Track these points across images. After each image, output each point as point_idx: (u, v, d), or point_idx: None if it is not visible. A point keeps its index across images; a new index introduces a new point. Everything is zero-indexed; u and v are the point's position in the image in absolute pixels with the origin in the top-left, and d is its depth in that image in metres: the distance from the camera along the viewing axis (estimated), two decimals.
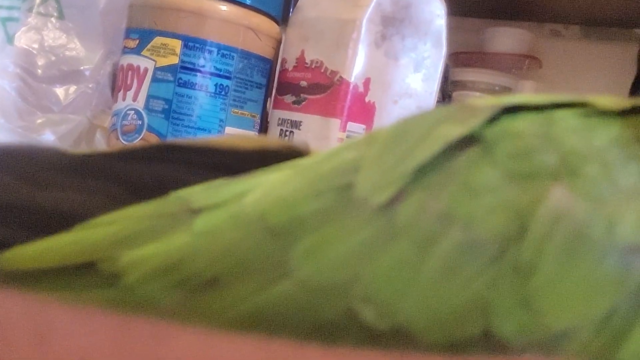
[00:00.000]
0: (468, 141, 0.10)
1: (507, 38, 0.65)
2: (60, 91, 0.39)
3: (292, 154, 0.13)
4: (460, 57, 0.66)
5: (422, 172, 0.10)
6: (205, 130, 0.36)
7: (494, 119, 0.11)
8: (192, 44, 0.36)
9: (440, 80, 0.36)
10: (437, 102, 0.37)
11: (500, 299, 0.09)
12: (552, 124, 0.10)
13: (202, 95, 0.36)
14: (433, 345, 0.09)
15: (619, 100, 0.11)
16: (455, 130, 0.10)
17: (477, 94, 0.59)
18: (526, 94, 0.11)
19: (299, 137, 0.35)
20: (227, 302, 0.10)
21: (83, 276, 0.11)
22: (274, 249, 0.10)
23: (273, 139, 0.14)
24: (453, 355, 0.09)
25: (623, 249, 0.09)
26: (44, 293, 0.11)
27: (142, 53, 0.37)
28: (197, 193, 0.11)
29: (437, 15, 0.34)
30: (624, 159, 0.10)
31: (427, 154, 0.10)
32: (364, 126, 0.34)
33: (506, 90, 0.61)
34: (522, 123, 0.10)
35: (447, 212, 0.10)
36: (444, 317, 0.09)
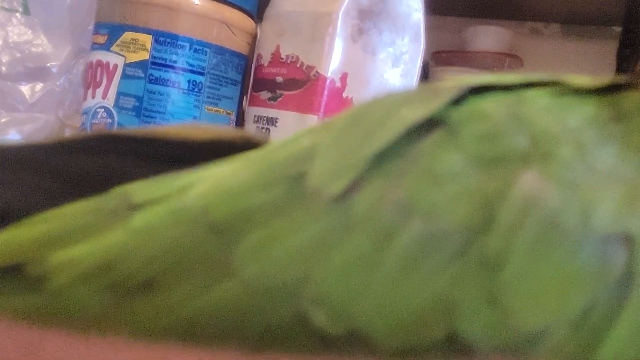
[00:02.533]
0: (431, 125, 0.09)
1: (488, 37, 0.65)
2: (25, 89, 0.38)
3: (248, 144, 0.12)
4: (442, 56, 0.66)
5: (381, 158, 0.09)
6: None
7: (459, 100, 0.10)
8: (163, 39, 0.34)
9: (419, 76, 0.36)
10: None
11: (465, 297, 0.08)
12: (522, 104, 0.10)
13: (174, 92, 0.35)
14: (392, 350, 0.08)
15: (595, 78, 0.10)
16: (416, 113, 0.09)
17: None
18: (495, 74, 0.10)
19: (275, 134, 0.34)
20: (162, 307, 0.09)
21: (7, 281, 0.09)
22: (216, 247, 0.09)
23: (228, 128, 0.13)
24: None
25: (600, 238, 0.08)
26: None
27: (111, 49, 0.35)
28: (141, 187, 0.10)
29: (414, 9, 0.34)
30: (601, 140, 0.09)
31: (386, 139, 0.09)
32: None
33: None
34: (489, 104, 0.10)
35: (408, 201, 0.09)
36: (403, 320, 0.08)
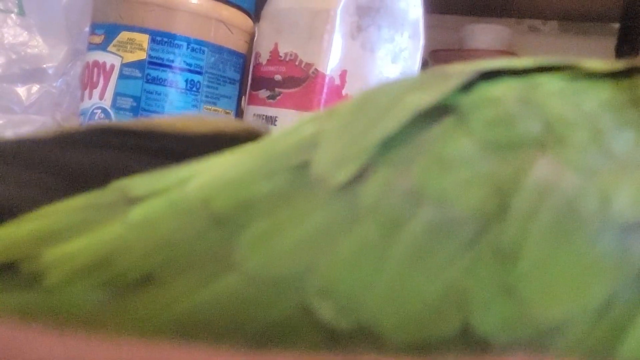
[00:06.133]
0: (441, 111, 0.09)
1: (486, 35, 0.65)
2: (22, 91, 0.37)
3: (250, 136, 0.12)
4: (440, 54, 0.66)
5: (389, 145, 0.09)
6: None
7: (469, 85, 0.09)
8: (160, 38, 0.34)
9: (419, 73, 0.35)
10: None
11: (479, 288, 0.08)
12: (534, 89, 0.09)
13: (172, 92, 0.35)
14: (402, 346, 0.08)
15: (610, 62, 0.10)
16: (425, 98, 0.09)
17: None
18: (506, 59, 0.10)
19: None
20: (162, 302, 0.08)
21: (2, 279, 0.09)
22: (217, 239, 0.08)
23: (229, 120, 0.12)
24: (426, 357, 0.07)
25: (620, 226, 0.08)
26: None
27: (108, 49, 0.35)
28: (139, 181, 0.10)
29: (413, 5, 0.33)
30: (618, 124, 0.09)
31: (393, 125, 0.09)
32: None
33: None
34: (501, 89, 0.09)
35: (417, 189, 0.08)
36: (414, 312, 0.08)
